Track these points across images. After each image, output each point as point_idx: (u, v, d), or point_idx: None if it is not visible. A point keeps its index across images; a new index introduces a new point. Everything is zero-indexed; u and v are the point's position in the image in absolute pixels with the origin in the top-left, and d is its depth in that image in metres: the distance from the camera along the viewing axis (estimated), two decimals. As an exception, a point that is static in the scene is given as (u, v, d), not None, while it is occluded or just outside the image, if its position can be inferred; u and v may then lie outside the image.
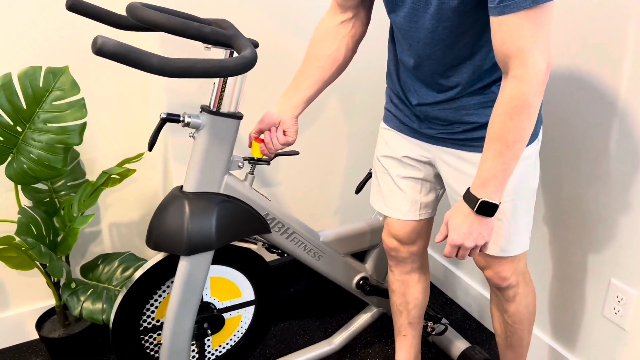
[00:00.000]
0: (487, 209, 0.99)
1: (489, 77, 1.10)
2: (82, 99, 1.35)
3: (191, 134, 1.26)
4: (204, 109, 1.23)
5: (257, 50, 1.69)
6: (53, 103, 1.33)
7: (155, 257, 1.35)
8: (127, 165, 1.79)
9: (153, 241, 1.27)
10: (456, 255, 1.06)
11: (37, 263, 1.53)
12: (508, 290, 1.32)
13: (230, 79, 1.21)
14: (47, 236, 1.47)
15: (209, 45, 1.19)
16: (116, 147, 1.74)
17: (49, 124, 1.34)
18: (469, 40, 1.03)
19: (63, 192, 1.60)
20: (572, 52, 1.40)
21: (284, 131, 1.28)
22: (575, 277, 1.54)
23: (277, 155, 1.40)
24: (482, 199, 0.99)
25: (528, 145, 1.15)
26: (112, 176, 1.54)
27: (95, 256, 1.76)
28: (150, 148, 1.22)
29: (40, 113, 1.34)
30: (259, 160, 1.36)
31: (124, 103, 1.69)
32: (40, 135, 1.34)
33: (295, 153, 1.42)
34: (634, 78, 1.27)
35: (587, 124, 1.41)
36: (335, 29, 1.25)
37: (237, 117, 1.25)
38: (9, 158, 1.36)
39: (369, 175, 1.62)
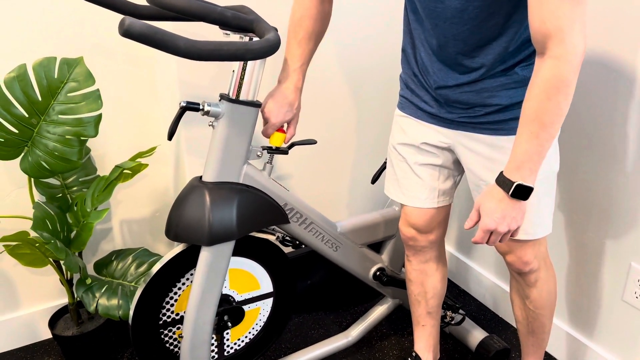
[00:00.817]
0: (522, 192, 0.98)
1: (513, 59, 1.10)
2: (97, 90, 1.33)
3: (210, 123, 1.24)
4: (223, 97, 1.21)
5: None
6: (68, 94, 1.31)
7: (173, 249, 1.33)
8: (140, 160, 1.77)
9: (173, 232, 1.26)
10: (487, 242, 1.05)
11: (51, 260, 1.51)
12: (530, 275, 1.31)
13: (249, 67, 1.20)
14: (61, 232, 1.45)
15: (228, 32, 1.18)
16: (126, 142, 1.72)
17: (64, 116, 1.32)
18: (499, 20, 1.02)
19: (75, 188, 1.58)
20: (592, 36, 1.40)
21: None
22: (594, 262, 1.54)
23: (294, 144, 1.39)
24: (518, 182, 0.98)
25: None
26: (125, 171, 1.52)
27: (108, 253, 1.74)
28: (170, 137, 1.21)
29: (55, 105, 1.32)
30: (278, 149, 1.35)
31: (133, 97, 1.67)
32: (56, 127, 1.32)
33: (313, 142, 1.41)
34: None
35: (605, 109, 1.41)
36: (312, 8, 1.26)
37: (256, 105, 1.23)
38: (24, 151, 1.33)
39: (385, 165, 1.61)
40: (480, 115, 1.18)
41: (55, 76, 1.29)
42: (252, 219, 1.30)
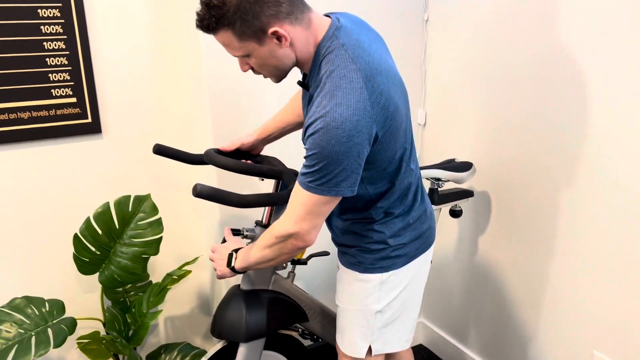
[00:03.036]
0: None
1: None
2: (160, 218, 1.73)
3: (247, 243, 1.61)
4: (258, 223, 1.60)
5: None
6: (138, 223, 1.71)
7: (215, 345, 1.66)
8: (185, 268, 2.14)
9: (217, 331, 1.59)
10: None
11: (112, 353, 1.83)
12: None
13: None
14: (123, 330, 1.79)
15: (264, 179, 1.59)
16: (171, 251, 2.10)
17: (134, 239, 1.71)
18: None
19: (132, 292, 1.94)
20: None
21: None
22: (557, 353, 1.82)
23: (312, 256, 1.76)
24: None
25: (373, 273, 1.36)
26: (173, 277, 1.88)
27: (156, 347, 2.06)
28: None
29: (128, 231, 1.72)
30: (299, 261, 1.71)
31: (178, 217, 2.06)
32: (127, 248, 1.71)
33: (327, 254, 1.77)
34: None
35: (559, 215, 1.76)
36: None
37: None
38: (102, 267, 1.71)
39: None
40: None
41: (130, 209, 1.70)
42: (280, 319, 1.63)
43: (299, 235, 1.20)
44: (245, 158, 1.62)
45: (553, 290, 1.81)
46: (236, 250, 1.38)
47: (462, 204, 1.97)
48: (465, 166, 1.89)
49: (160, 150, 1.60)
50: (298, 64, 1.22)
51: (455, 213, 1.95)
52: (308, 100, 1.25)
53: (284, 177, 1.50)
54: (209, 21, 1.11)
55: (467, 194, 1.94)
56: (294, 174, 1.51)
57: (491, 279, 2.06)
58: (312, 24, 1.18)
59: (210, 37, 1.75)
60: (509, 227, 1.94)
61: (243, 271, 1.37)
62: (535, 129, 1.77)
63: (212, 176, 1.91)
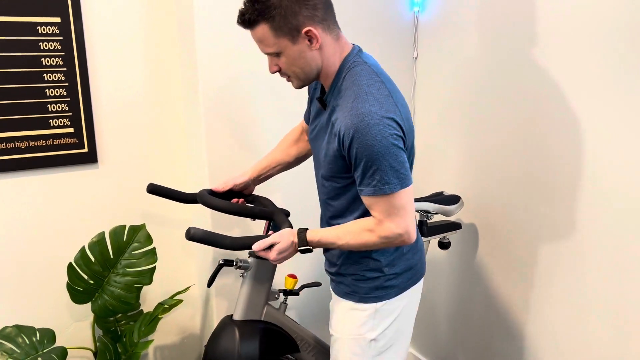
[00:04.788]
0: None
1: None
2: (154, 248, 1.75)
3: (241, 274, 1.64)
4: (252, 254, 1.63)
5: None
6: (132, 252, 1.73)
7: (207, 375, 1.66)
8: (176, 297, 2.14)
9: (209, 361, 1.60)
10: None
11: (102, 384, 1.83)
12: None
13: (270, 233, 1.63)
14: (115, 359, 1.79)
15: (256, 219, 1.63)
16: (163, 281, 2.10)
17: (128, 269, 1.73)
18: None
19: (123, 322, 1.94)
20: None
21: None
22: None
23: (304, 286, 1.78)
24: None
25: (367, 302, 1.39)
26: (164, 306, 1.89)
27: (146, 376, 2.05)
28: (209, 285, 1.61)
29: (122, 260, 1.73)
30: (291, 291, 1.74)
31: (170, 247, 2.08)
32: (121, 277, 1.72)
33: (318, 284, 1.80)
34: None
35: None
36: (299, 134, 1.65)
37: (275, 260, 1.64)
38: (95, 296, 1.72)
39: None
40: None
41: (125, 239, 1.72)
42: (271, 349, 1.65)
43: (408, 233, 1.26)
44: (238, 197, 1.66)
45: (539, 320, 1.85)
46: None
47: (450, 236, 2.01)
48: (454, 199, 1.94)
49: (155, 189, 1.63)
50: (321, 74, 1.31)
51: (443, 245, 2.00)
52: (327, 118, 1.32)
53: (275, 218, 1.54)
54: (250, 15, 1.21)
55: (455, 226, 1.99)
56: (285, 214, 1.55)
57: (478, 309, 2.09)
58: (340, 39, 1.30)
59: (208, 71, 1.82)
60: (496, 258, 1.99)
61: (313, 248, 1.34)
62: (520, 163, 1.83)
63: (205, 213, 1.93)
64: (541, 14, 1.69)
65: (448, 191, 2.06)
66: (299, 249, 1.33)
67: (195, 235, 1.29)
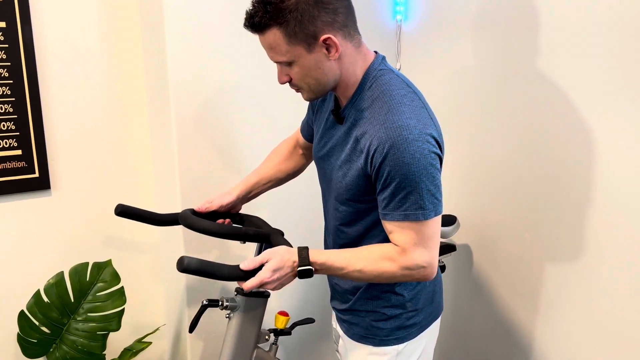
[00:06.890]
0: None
1: None
2: (122, 287, 1.52)
3: (227, 315, 1.43)
4: (239, 292, 1.42)
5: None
6: (96, 294, 1.49)
7: None
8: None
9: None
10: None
11: None
12: None
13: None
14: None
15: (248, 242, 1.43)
16: (128, 321, 1.85)
17: (91, 314, 1.48)
18: None
19: (85, 370, 1.68)
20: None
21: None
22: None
23: (295, 324, 1.60)
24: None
25: (389, 345, 1.24)
26: (132, 351, 1.66)
27: None
28: (192, 330, 1.39)
29: (84, 304, 1.49)
30: (282, 331, 1.55)
31: (136, 283, 1.83)
32: (84, 324, 1.47)
33: (312, 321, 1.61)
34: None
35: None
36: (293, 148, 1.48)
37: (266, 295, 1.45)
38: (52, 348, 1.46)
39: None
40: None
41: (87, 279, 1.48)
42: (262, 398, 1.45)
43: (432, 267, 1.12)
44: (224, 217, 1.46)
45: (536, 344, 1.75)
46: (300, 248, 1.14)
47: (445, 258, 1.89)
48: (450, 220, 1.82)
49: (125, 211, 1.42)
50: (339, 86, 1.14)
51: (439, 268, 1.87)
52: (345, 133, 1.16)
53: (272, 240, 1.36)
54: (261, 18, 1.03)
55: (450, 248, 1.87)
56: (281, 234, 1.37)
57: (473, 333, 1.98)
58: (362, 47, 1.14)
59: (179, 81, 1.61)
60: (491, 281, 1.88)
61: (315, 272, 1.11)
62: (516, 183, 1.73)
63: (177, 235, 1.72)
64: (529, 21, 1.61)
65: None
66: (299, 269, 1.10)
67: (189, 266, 1.08)
